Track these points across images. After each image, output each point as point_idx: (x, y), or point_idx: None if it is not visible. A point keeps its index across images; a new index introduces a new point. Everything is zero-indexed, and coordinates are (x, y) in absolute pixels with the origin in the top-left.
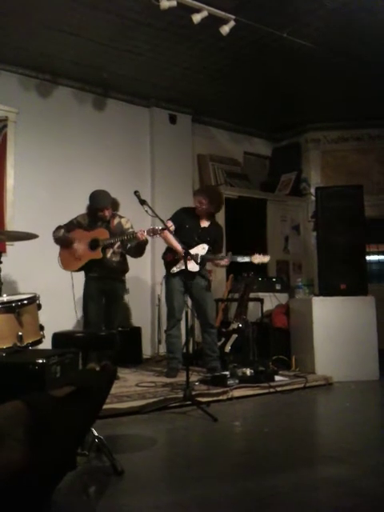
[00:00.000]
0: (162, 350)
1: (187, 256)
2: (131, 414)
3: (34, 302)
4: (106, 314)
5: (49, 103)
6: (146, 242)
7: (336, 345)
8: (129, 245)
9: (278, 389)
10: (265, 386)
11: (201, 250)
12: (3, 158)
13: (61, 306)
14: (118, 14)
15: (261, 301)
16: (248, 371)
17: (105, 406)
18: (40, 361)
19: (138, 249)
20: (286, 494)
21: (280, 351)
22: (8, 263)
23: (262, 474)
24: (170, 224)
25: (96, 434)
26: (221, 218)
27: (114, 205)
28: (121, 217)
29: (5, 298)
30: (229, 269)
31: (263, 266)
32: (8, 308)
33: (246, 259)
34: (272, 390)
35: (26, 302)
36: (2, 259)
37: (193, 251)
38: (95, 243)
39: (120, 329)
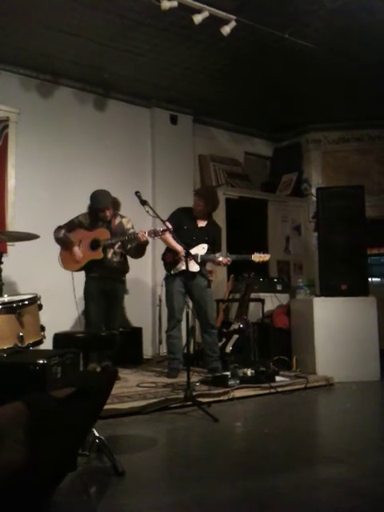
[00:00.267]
0: (163, 350)
1: (188, 256)
2: (132, 414)
3: (34, 302)
4: (106, 314)
5: (50, 103)
6: (146, 242)
7: (337, 345)
8: (129, 245)
9: (279, 389)
10: (266, 386)
11: (201, 249)
12: (4, 158)
13: (61, 306)
14: (119, 14)
15: (262, 301)
16: (249, 372)
17: (106, 407)
18: (41, 361)
19: (138, 250)
20: (286, 494)
21: (281, 352)
22: (9, 264)
23: (263, 474)
24: (169, 225)
25: (97, 434)
26: (221, 218)
27: (115, 205)
28: (122, 217)
29: (6, 298)
30: (229, 269)
31: (264, 266)
32: (9, 308)
33: (246, 258)
34: (273, 390)
35: (26, 302)
36: (3, 260)
37: (193, 251)
38: (96, 243)
39: (121, 329)
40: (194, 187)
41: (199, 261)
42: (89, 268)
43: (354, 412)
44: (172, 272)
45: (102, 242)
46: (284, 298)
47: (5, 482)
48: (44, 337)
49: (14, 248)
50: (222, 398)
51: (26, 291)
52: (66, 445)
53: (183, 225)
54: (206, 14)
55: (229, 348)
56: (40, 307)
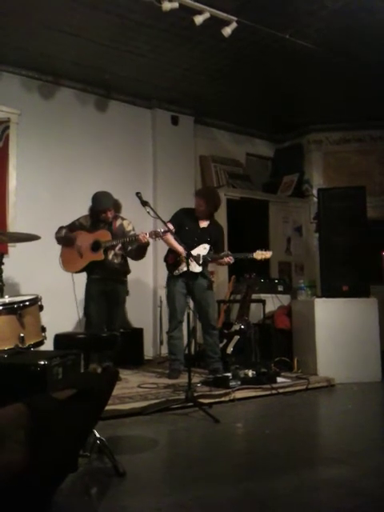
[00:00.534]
0: (164, 351)
1: (189, 257)
2: (133, 415)
3: (35, 303)
4: (107, 315)
5: (51, 104)
6: (147, 244)
7: (338, 346)
8: (129, 247)
9: (280, 390)
10: (267, 387)
11: (202, 250)
12: (5, 159)
13: (62, 307)
14: (119, 14)
15: (263, 302)
16: (250, 373)
17: (107, 408)
18: (42, 362)
19: (139, 251)
20: (287, 495)
21: (282, 353)
22: (10, 264)
23: (264, 475)
24: (170, 226)
25: (98, 435)
26: (223, 219)
27: (116, 206)
28: (123, 219)
29: (7, 299)
30: (231, 270)
31: (265, 267)
32: (10, 309)
33: (248, 255)
34: (274, 391)
35: (27, 303)
36: (4, 260)
37: (194, 252)
38: (97, 245)
39: (122, 330)
40: (195, 188)
41: (201, 261)
42: (90, 269)
43: (355, 413)
44: (174, 273)
45: (103, 243)
46: (285, 299)
47: (6, 483)
48: (45, 338)
49: (15, 249)
50: (223, 398)
51: (26, 292)
52: (67, 446)
53: (185, 225)
54: (206, 15)
55: (230, 349)
56: (41, 308)
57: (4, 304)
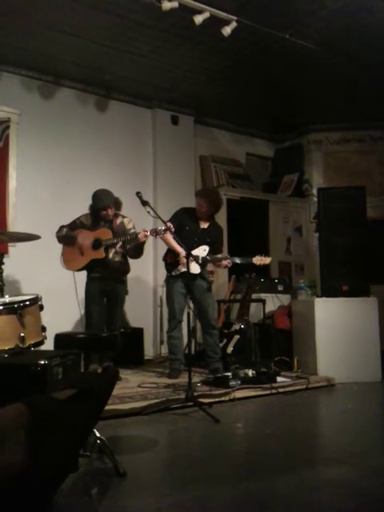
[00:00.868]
0: (164, 351)
1: (188, 258)
2: (133, 415)
3: (36, 303)
4: (107, 315)
5: (51, 105)
6: (143, 242)
7: (338, 346)
8: (128, 246)
9: (280, 390)
10: (267, 387)
11: (202, 251)
12: (5, 159)
13: (63, 307)
14: (119, 14)
15: (263, 302)
16: (250, 372)
17: (107, 407)
18: (42, 362)
19: (136, 250)
20: (287, 495)
21: (282, 352)
22: (10, 264)
23: (264, 475)
24: (170, 225)
25: (98, 435)
26: (222, 219)
27: (117, 204)
28: (123, 217)
29: (7, 299)
30: (231, 270)
31: (265, 267)
32: (10, 309)
33: (248, 260)
34: (274, 391)
35: (28, 303)
36: (5, 260)
37: (194, 253)
38: (98, 243)
39: (122, 330)
40: (195, 188)
41: (200, 262)
42: (90, 268)
43: (356, 413)
44: (173, 273)
45: (104, 241)
46: (285, 299)
47: (6, 484)
48: (45, 337)
49: (15, 249)
50: (223, 398)
51: (27, 292)
52: (67, 446)
53: (185, 225)
54: (206, 15)
55: (230, 349)
56: (41, 308)
57: (4, 304)
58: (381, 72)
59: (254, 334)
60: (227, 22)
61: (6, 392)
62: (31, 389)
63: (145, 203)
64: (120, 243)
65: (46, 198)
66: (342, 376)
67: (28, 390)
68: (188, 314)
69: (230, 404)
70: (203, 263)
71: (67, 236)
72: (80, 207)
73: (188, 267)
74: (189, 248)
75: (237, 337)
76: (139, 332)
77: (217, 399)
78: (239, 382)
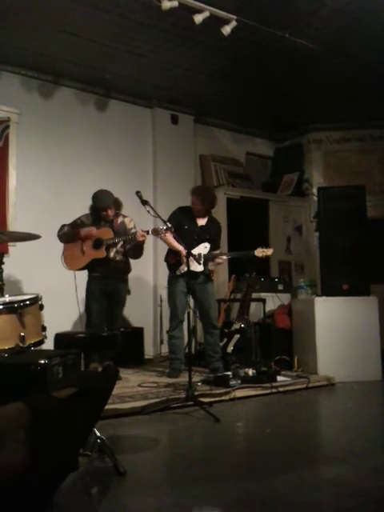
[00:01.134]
0: (165, 350)
1: (190, 257)
2: (133, 414)
3: (36, 302)
4: (108, 314)
5: (51, 104)
6: (142, 242)
7: (338, 345)
8: (128, 246)
9: (281, 389)
10: (267, 386)
11: (203, 249)
12: (5, 159)
13: (63, 306)
14: (119, 14)
15: (263, 301)
16: (250, 371)
17: (107, 407)
18: (42, 361)
19: (136, 250)
20: (287, 494)
21: (282, 351)
22: (10, 264)
23: (264, 474)
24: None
25: (98, 434)
26: (223, 218)
27: (117, 204)
28: (124, 216)
29: (7, 298)
30: (231, 269)
31: (265, 266)
32: (10, 309)
33: (250, 253)
34: (274, 390)
35: (28, 302)
36: (5, 260)
37: (195, 251)
38: (99, 242)
39: (122, 329)
40: None
41: (202, 261)
42: (91, 267)
43: (356, 412)
44: (176, 273)
45: (105, 241)
46: (285, 298)
47: (6, 483)
48: (45, 337)
49: (15, 248)
50: (223, 397)
51: (27, 291)
52: (68, 445)
53: (184, 224)
54: (206, 14)
55: (230, 348)
56: (41, 307)
57: (4, 303)
58: (381, 72)
59: (254, 333)
60: (227, 22)
61: (6, 391)
62: (31, 388)
63: (144, 202)
64: (121, 243)
65: (46, 197)
66: (342, 375)
67: (28, 389)
68: (188, 313)
69: (230, 403)
70: (205, 261)
71: (70, 233)
72: (80, 207)
73: (188, 265)
74: (189, 247)
75: (237, 336)
76: (139, 331)
77: (217, 398)
78: (239, 382)
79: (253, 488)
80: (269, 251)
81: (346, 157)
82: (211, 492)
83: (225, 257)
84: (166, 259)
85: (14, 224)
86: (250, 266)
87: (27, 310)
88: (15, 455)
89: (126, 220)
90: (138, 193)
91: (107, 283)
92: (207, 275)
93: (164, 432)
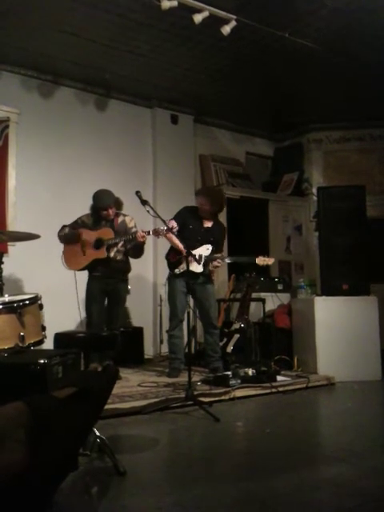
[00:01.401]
0: (164, 350)
1: (189, 257)
2: (133, 414)
3: (35, 302)
4: (108, 314)
5: (50, 104)
6: (143, 243)
7: (338, 345)
8: (128, 245)
9: (280, 389)
10: (267, 386)
11: (205, 250)
12: (5, 158)
13: (63, 306)
14: (119, 14)
15: (263, 301)
16: (250, 371)
17: (107, 406)
18: (42, 361)
19: (136, 250)
20: (287, 494)
21: (282, 351)
22: (10, 264)
23: (264, 474)
24: (174, 223)
25: (98, 434)
26: (222, 218)
27: (118, 204)
28: (125, 215)
29: (6, 298)
30: (231, 269)
31: (265, 266)
32: (10, 308)
33: (251, 260)
34: (274, 390)
35: (27, 302)
36: (4, 260)
37: (196, 252)
38: (100, 242)
39: (122, 329)
40: (194, 187)
41: (203, 262)
42: (92, 267)
43: (356, 412)
44: (176, 271)
45: (106, 241)
46: (285, 298)
47: (6, 483)
48: (45, 336)
49: (14, 248)
50: (223, 397)
51: (27, 291)
52: (67, 445)
53: (189, 224)
54: (206, 14)
55: (230, 348)
56: (41, 307)
57: (4, 303)
58: (381, 72)
59: (254, 332)
60: (227, 21)
61: (5, 391)
62: (31, 388)
63: (144, 202)
64: (121, 242)
65: (46, 197)
66: (342, 375)
67: (28, 389)
68: (188, 313)
69: (230, 403)
70: (206, 262)
71: (70, 234)
72: (80, 206)
73: (188, 265)
74: (191, 247)
75: (237, 336)
76: (139, 331)
77: (217, 398)
78: (239, 381)
79: (253, 488)
80: (270, 261)
81: (346, 156)
82: (211, 492)
83: (221, 261)
84: (167, 257)
85: (14, 224)
86: (249, 266)
87: (27, 309)
88: (15, 455)
89: (127, 219)
90: (137, 193)
91: (107, 283)
92: (207, 276)
93: (164, 432)
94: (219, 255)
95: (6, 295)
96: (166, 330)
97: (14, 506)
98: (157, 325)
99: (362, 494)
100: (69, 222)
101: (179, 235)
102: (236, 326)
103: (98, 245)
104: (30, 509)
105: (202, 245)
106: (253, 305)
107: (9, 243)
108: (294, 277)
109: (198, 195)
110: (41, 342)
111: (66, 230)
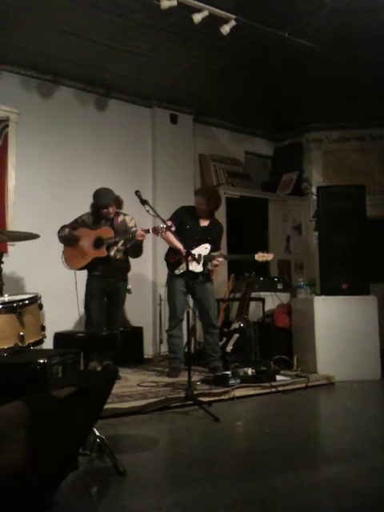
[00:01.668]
0: (164, 349)
1: (189, 256)
2: (133, 413)
3: (35, 302)
4: (107, 313)
5: (50, 104)
6: (141, 241)
7: (338, 344)
8: (128, 244)
9: (280, 388)
10: (266, 385)
11: (203, 250)
12: (4, 158)
13: (63, 306)
14: (119, 14)
15: (262, 300)
16: (249, 371)
17: (106, 406)
18: (42, 361)
19: (135, 249)
20: (287, 494)
21: (282, 351)
22: (10, 263)
23: (264, 474)
24: (170, 224)
25: (98, 434)
26: (222, 217)
27: (118, 203)
28: (125, 214)
29: (6, 298)
30: (230, 268)
31: (265, 265)
32: (9, 308)
33: (250, 257)
34: (274, 389)
35: (27, 302)
36: (4, 259)
37: (195, 251)
38: (100, 241)
39: (121, 329)
40: (194, 187)
41: (202, 261)
42: (92, 266)
43: (355, 411)
44: (175, 272)
45: (106, 240)
46: (285, 298)
47: (6, 483)
48: (44, 336)
49: (14, 248)
50: (222, 397)
51: (26, 291)
52: (67, 444)
53: (186, 224)
54: (205, 14)
55: (229, 347)
56: (40, 307)
57: (3, 303)
58: (381, 72)
59: (254, 332)
60: (226, 21)
61: (5, 391)
62: (31, 387)
63: (144, 202)
64: (121, 241)
65: (46, 197)
66: (342, 374)
67: (28, 388)
68: (188, 312)
69: (229, 403)
70: (205, 262)
71: (69, 237)
72: (79, 206)
73: (187, 265)
74: (190, 247)
75: (236, 335)
76: (139, 331)
77: (216, 398)
78: (239, 381)
79: (253, 488)
80: (269, 256)
81: (346, 156)
82: (211, 492)
83: (221, 258)
84: (166, 258)
85: (14, 224)
86: (249, 265)
87: (26, 309)
88: (15, 455)
89: (127, 218)
90: (137, 192)
91: (107, 282)
92: (206, 275)
93: (163, 431)
94: (217, 253)
95: (6, 295)
96: (166, 329)
97: (13, 505)
98: (156, 324)
99: (362, 494)
100: (69, 221)
101: (177, 235)
102: (235, 325)
103: (98, 244)
104: (30, 509)
105: (199, 244)
106: (252, 304)
107: (9, 243)
108: (294, 276)
109: (196, 195)
110: (40, 341)
111: (66, 230)
